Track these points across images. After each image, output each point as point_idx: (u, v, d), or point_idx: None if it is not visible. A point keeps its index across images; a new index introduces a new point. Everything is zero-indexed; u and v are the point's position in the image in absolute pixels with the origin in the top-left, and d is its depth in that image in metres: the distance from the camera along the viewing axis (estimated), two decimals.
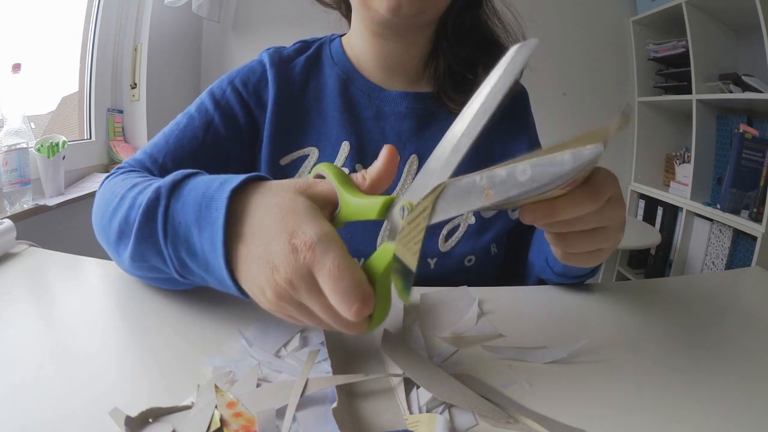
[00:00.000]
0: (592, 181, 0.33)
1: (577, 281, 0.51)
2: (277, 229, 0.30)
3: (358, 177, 0.34)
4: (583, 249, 0.38)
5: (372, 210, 0.31)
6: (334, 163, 0.57)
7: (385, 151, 0.33)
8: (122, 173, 0.49)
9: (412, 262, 0.28)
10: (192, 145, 0.55)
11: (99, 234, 0.46)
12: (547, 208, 0.33)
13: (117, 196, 0.42)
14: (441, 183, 0.28)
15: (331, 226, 0.30)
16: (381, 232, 0.55)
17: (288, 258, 0.28)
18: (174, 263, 0.36)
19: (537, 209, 0.33)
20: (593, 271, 0.50)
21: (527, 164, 0.26)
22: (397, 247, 0.29)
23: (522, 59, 0.29)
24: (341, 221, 0.33)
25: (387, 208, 0.31)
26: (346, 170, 0.56)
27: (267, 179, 0.35)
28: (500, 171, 0.26)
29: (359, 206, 0.32)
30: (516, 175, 0.26)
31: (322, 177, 0.36)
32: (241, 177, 0.34)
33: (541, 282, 0.54)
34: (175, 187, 0.36)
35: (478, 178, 0.27)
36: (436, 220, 0.29)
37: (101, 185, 0.49)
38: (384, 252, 0.30)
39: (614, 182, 0.35)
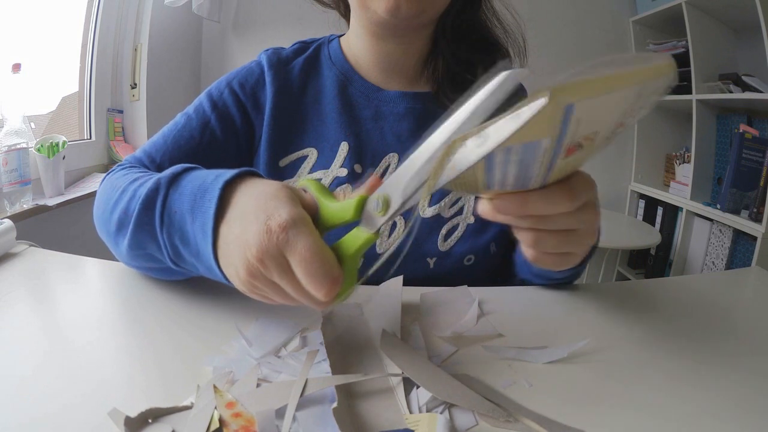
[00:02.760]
0: (569, 182, 0.33)
1: (555, 282, 0.50)
2: (257, 212, 0.32)
3: (338, 192, 0.35)
4: (552, 250, 0.37)
5: (347, 210, 0.33)
6: (333, 164, 0.57)
7: (370, 180, 0.35)
8: (122, 169, 0.51)
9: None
10: (189, 145, 0.55)
11: (99, 227, 0.47)
12: (519, 201, 0.33)
13: (118, 189, 0.44)
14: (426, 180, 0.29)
15: (306, 213, 0.32)
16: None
17: (261, 237, 0.30)
18: (168, 251, 0.38)
19: (509, 200, 0.33)
20: (573, 275, 0.49)
21: (476, 137, 0.26)
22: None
23: (510, 85, 0.28)
24: (322, 228, 0.34)
25: (361, 207, 0.33)
26: (344, 170, 0.57)
27: (258, 175, 0.37)
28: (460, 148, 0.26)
29: (336, 209, 0.34)
30: (469, 148, 0.26)
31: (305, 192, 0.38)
32: (234, 171, 0.36)
33: (523, 282, 0.54)
34: (174, 179, 0.39)
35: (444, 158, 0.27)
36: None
37: (103, 180, 0.51)
38: (355, 236, 0.32)
39: (592, 187, 0.34)
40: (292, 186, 0.35)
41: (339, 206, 0.34)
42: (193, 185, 0.37)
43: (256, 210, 0.32)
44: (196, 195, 0.36)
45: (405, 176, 0.30)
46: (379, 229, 0.32)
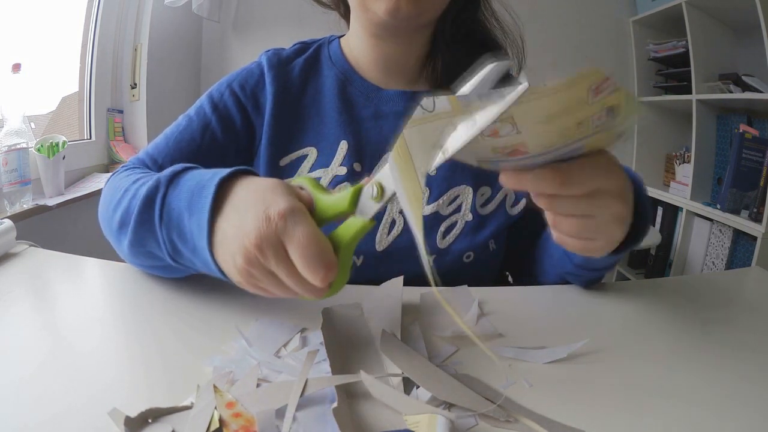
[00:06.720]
0: (565, 164, 0.32)
1: (596, 274, 0.50)
2: (255, 202, 0.33)
3: (335, 191, 0.37)
4: (570, 234, 0.37)
5: (343, 201, 0.34)
6: (333, 163, 0.57)
7: (366, 180, 0.35)
8: (126, 170, 0.52)
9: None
10: (190, 147, 0.56)
11: (103, 225, 0.49)
12: (515, 176, 0.33)
13: (120, 190, 0.45)
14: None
15: (303, 205, 0.33)
16: (380, 228, 0.55)
17: (260, 224, 0.31)
18: (167, 247, 0.39)
19: (508, 175, 0.34)
20: (611, 264, 0.49)
21: (465, 121, 0.27)
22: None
23: (493, 78, 0.30)
24: (318, 222, 0.35)
25: (357, 197, 0.34)
26: (344, 169, 0.57)
27: (254, 173, 0.38)
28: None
29: (332, 201, 0.35)
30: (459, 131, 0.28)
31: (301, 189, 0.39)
32: (230, 169, 0.37)
33: (563, 279, 0.53)
34: (174, 177, 0.40)
35: None
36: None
37: (107, 182, 0.52)
38: (350, 224, 0.33)
39: (606, 176, 0.34)
40: (287, 182, 0.36)
41: (335, 198, 0.34)
42: (191, 183, 0.38)
43: (255, 201, 0.33)
44: (193, 192, 0.37)
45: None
46: (374, 216, 0.33)
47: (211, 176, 0.37)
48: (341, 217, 0.35)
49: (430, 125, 0.29)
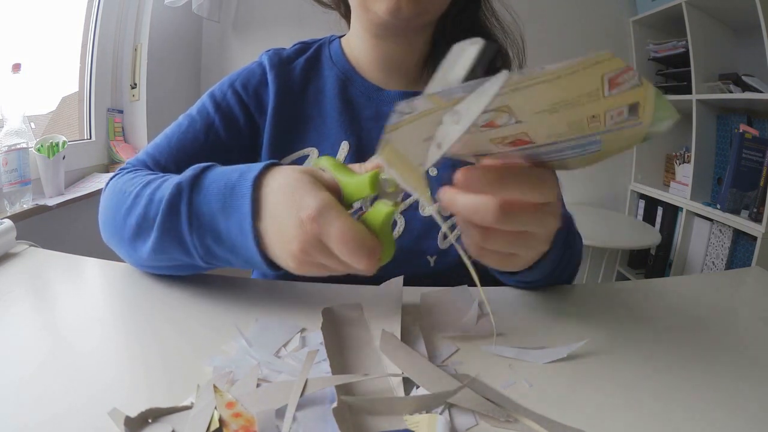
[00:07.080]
0: (543, 173, 0.32)
1: (524, 286, 0.50)
2: (286, 206, 0.34)
3: (356, 167, 0.37)
4: (498, 248, 0.35)
5: (363, 187, 0.34)
6: None
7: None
8: (128, 173, 0.51)
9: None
10: (193, 147, 0.56)
11: (109, 232, 0.47)
12: (497, 178, 0.31)
13: (130, 195, 0.44)
14: None
15: (331, 195, 0.33)
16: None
17: (297, 231, 0.33)
18: (199, 251, 0.40)
19: (484, 177, 0.31)
20: (544, 278, 0.48)
21: (450, 114, 0.27)
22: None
23: (478, 63, 0.31)
24: (346, 204, 0.36)
25: (376, 181, 0.34)
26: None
27: (280, 164, 0.38)
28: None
29: (354, 186, 0.35)
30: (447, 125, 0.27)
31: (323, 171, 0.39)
32: (259, 166, 0.38)
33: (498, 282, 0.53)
34: (196, 181, 0.40)
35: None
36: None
37: (107, 185, 0.50)
38: (378, 211, 0.34)
39: (555, 189, 0.33)
40: (310, 169, 0.36)
41: (356, 183, 0.35)
42: (218, 184, 0.38)
43: (286, 204, 0.34)
44: (224, 194, 0.38)
45: None
46: (397, 201, 0.34)
47: (239, 176, 0.37)
48: (367, 198, 0.35)
49: (414, 125, 0.28)
